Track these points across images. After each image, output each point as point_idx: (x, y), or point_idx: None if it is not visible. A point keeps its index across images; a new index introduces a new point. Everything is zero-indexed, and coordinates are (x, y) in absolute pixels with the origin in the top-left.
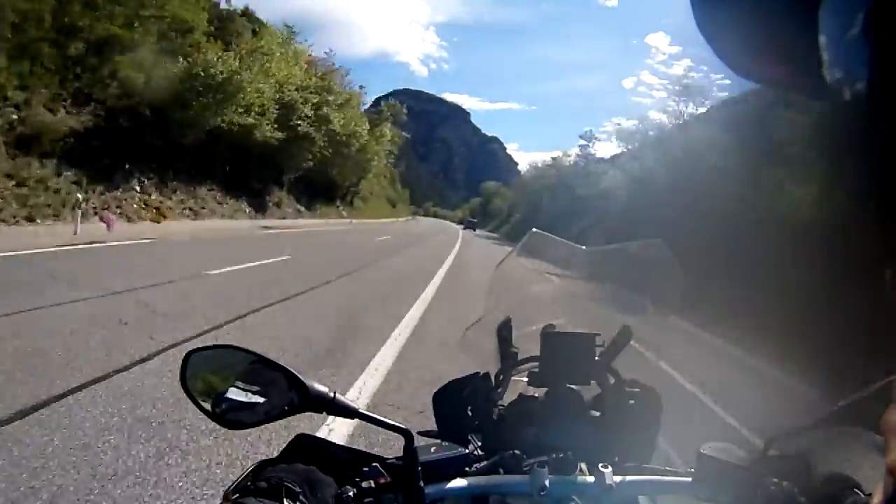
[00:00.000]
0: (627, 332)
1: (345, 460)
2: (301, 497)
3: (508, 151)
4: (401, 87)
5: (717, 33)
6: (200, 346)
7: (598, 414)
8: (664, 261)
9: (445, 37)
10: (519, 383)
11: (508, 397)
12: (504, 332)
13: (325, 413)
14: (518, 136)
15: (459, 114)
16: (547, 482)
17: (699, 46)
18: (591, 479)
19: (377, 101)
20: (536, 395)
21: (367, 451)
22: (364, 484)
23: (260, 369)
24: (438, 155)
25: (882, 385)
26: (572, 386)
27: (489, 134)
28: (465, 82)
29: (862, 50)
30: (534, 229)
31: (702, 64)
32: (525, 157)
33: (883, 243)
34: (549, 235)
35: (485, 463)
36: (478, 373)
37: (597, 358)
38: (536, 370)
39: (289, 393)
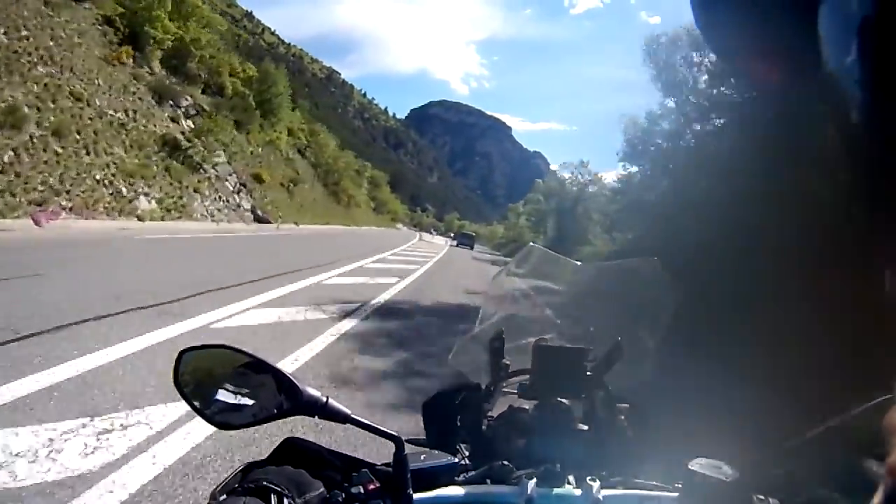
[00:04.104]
0: (619, 347)
1: (334, 465)
2: (288, 500)
3: (553, 169)
4: (437, 99)
5: (717, 33)
6: (194, 345)
7: (587, 428)
8: (657, 278)
9: (486, 55)
10: (509, 395)
11: (498, 409)
12: (496, 344)
13: (316, 417)
14: (559, 157)
15: (500, 127)
16: (535, 494)
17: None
18: (578, 492)
19: (413, 112)
20: (527, 407)
21: (357, 456)
22: (353, 489)
23: (252, 370)
24: (478, 170)
25: (870, 406)
26: (562, 399)
27: (532, 149)
28: (506, 101)
29: (857, 74)
30: (531, 244)
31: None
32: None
33: (881, 247)
34: (544, 250)
35: (473, 473)
36: (468, 383)
37: (588, 373)
38: (527, 383)
39: (279, 395)
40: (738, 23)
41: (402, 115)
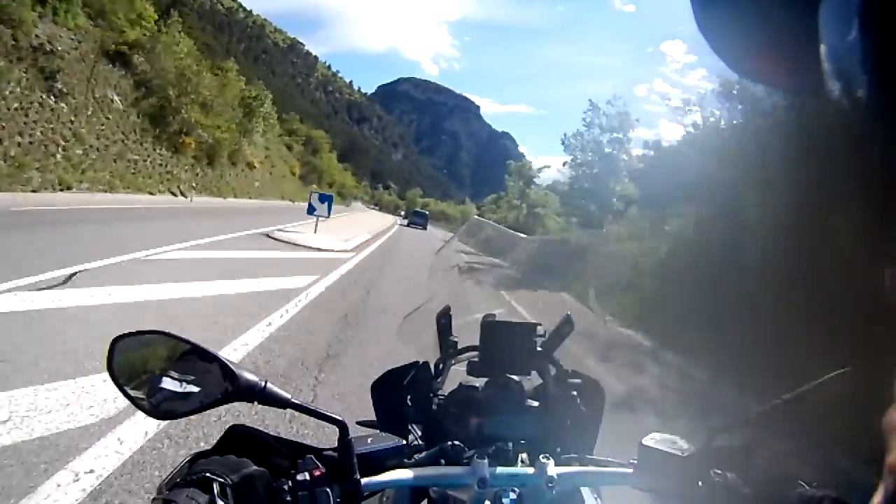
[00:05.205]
0: (569, 321)
1: (280, 451)
2: (232, 490)
3: (521, 150)
4: (406, 76)
5: (717, 33)
6: (128, 332)
7: (538, 404)
8: (606, 251)
9: (457, 36)
10: (459, 372)
11: (448, 387)
12: (443, 321)
13: (255, 403)
14: (527, 140)
15: (468, 107)
16: (487, 474)
17: (713, 56)
18: (531, 470)
19: (381, 88)
20: (477, 384)
21: (303, 441)
22: (299, 476)
23: (191, 357)
24: (444, 149)
25: (824, 380)
26: (513, 376)
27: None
28: (475, 82)
29: (859, 53)
30: (474, 216)
31: (715, 74)
32: (535, 163)
33: (881, 244)
34: (490, 223)
35: (424, 454)
36: (416, 361)
37: (538, 348)
38: (476, 360)
39: (223, 382)
40: (739, 20)
41: (370, 92)
